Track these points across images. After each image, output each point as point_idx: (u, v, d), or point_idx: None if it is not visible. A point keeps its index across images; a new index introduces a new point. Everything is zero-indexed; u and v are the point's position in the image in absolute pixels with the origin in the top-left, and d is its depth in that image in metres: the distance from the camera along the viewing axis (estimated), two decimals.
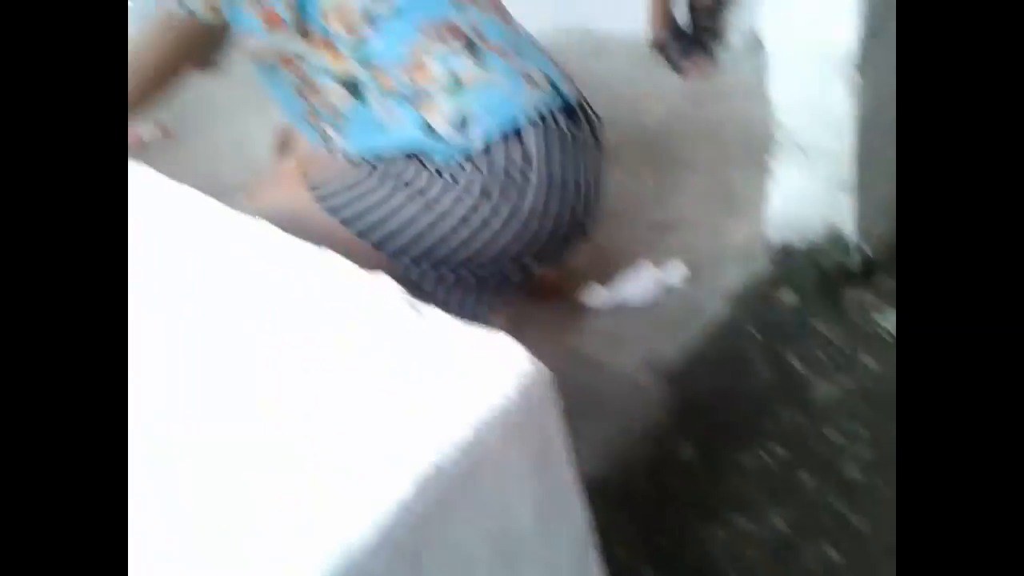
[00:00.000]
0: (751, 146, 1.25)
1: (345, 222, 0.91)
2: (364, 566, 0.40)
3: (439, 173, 0.89)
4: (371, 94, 0.89)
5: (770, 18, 1.05)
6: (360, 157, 0.94)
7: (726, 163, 1.44)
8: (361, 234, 0.91)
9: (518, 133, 0.88)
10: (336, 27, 0.87)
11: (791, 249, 1.18)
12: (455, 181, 0.88)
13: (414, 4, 0.89)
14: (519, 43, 0.94)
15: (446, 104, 0.87)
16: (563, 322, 1.21)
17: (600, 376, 1.09)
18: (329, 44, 0.88)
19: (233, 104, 1.73)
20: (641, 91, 1.71)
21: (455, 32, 0.89)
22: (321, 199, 0.92)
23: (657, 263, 1.23)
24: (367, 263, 0.77)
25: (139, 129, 1.97)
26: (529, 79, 0.90)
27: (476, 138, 0.87)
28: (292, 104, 0.97)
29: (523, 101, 0.89)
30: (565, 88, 0.94)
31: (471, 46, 0.89)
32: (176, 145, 1.77)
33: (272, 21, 0.86)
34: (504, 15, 0.98)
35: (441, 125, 0.87)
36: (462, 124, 0.87)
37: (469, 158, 0.87)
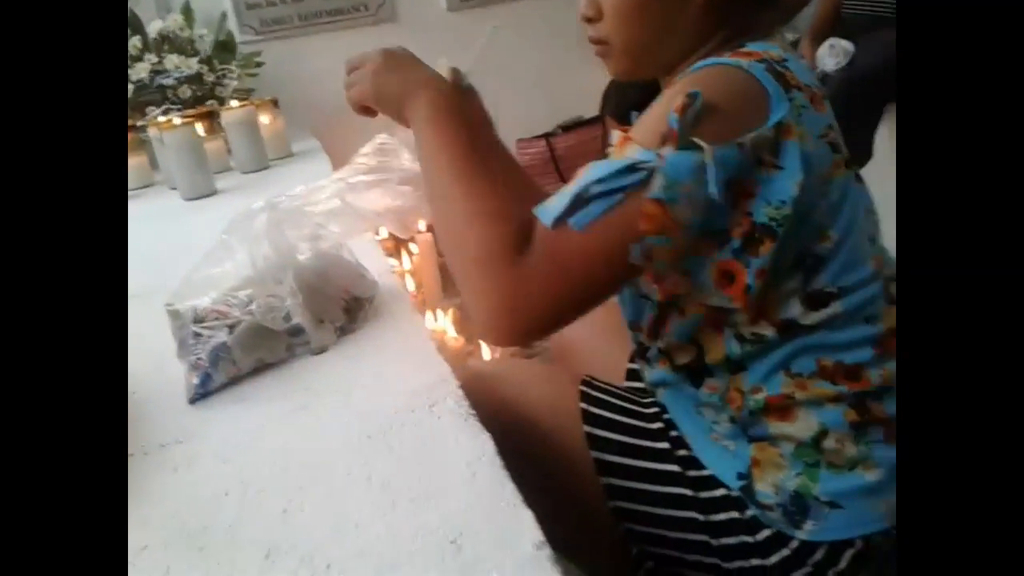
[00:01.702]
0: None
1: (593, 440, 0.73)
2: None
3: (737, 499, 0.66)
4: (709, 391, 0.68)
5: None
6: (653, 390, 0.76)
7: None
8: (601, 468, 0.72)
9: (855, 544, 0.64)
10: (739, 313, 0.63)
11: None
12: (748, 527, 0.66)
13: (843, 331, 0.64)
14: None
15: (789, 468, 0.64)
16: None
17: None
18: (717, 318, 0.64)
19: None
20: None
21: (859, 381, 0.64)
22: (585, 407, 0.75)
23: None
24: (587, 496, 0.71)
25: None
26: None
27: (801, 531, 0.64)
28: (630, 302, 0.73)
29: (887, 510, 0.64)
30: None
31: (863, 408, 0.64)
32: None
33: (729, 282, 0.60)
34: None
35: (766, 488, 0.65)
36: (794, 506, 0.64)
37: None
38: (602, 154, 0.62)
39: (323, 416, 0.67)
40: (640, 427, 0.74)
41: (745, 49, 0.62)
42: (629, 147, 0.58)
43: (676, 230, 0.55)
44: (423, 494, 0.54)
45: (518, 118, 2.88)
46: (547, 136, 2.89)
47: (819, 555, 0.64)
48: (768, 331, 0.63)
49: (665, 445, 0.71)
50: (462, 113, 0.69)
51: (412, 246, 2.02)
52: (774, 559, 0.65)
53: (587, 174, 0.58)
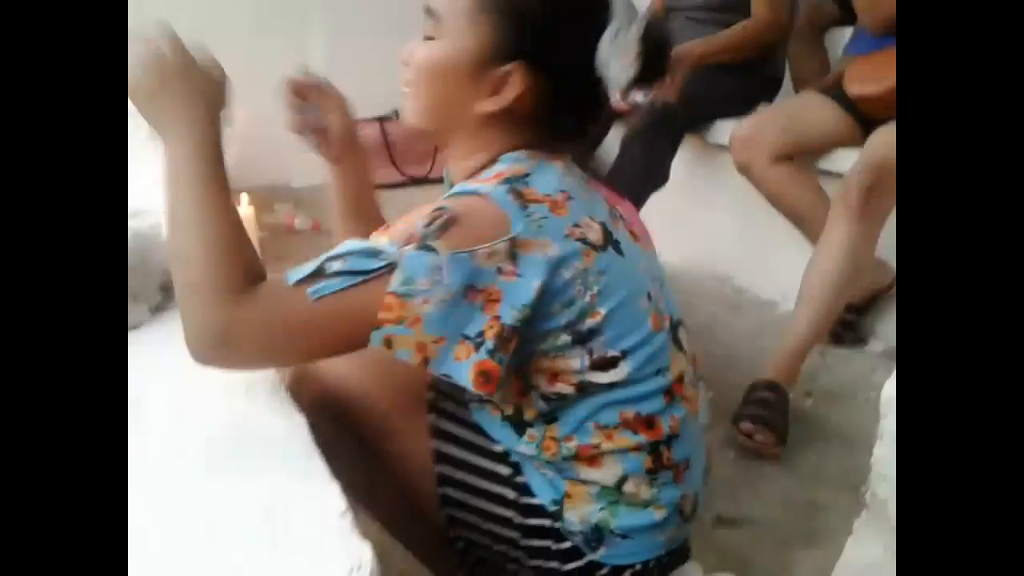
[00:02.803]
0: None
1: (435, 431, 0.78)
2: None
3: (551, 512, 0.76)
4: (529, 439, 0.74)
5: None
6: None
7: (822, 477, 1.34)
8: (438, 457, 0.78)
9: (634, 567, 0.77)
10: (538, 378, 0.71)
11: None
12: (554, 536, 0.76)
13: (638, 385, 0.73)
14: (697, 449, 0.79)
15: (594, 504, 0.74)
16: None
17: None
18: (521, 383, 0.72)
19: None
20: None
21: (653, 429, 0.74)
22: (432, 412, 0.79)
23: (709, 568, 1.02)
24: (417, 483, 0.78)
25: (294, 218, 2.38)
26: (682, 511, 0.77)
27: (594, 554, 0.75)
28: None
29: (664, 540, 0.77)
30: (700, 505, 0.82)
31: (657, 454, 0.74)
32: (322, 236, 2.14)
33: (486, 381, 0.65)
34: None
35: (573, 517, 0.75)
36: (593, 535, 0.75)
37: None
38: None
39: (136, 393, 0.69)
40: (482, 427, 0.78)
41: (495, 170, 0.71)
42: (380, 239, 0.66)
43: (416, 323, 0.62)
44: (237, 468, 0.60)
45: (353, 98, 2.87)
46: (382, 119, 2.88)
47: (604, 571, 0.76)
48: (568, 390, 0.71)
49: (501, 448, 0.77)
50: (221, 159, 0.68)
51: None
52: (568, 567, 0.76)
53: (336, 249, 0.65)
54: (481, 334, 0.64)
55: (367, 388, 0.80)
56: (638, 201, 1.87)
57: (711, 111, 2.03)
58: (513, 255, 0.65)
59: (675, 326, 0.78)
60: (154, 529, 0.53)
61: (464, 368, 0.64)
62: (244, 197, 2.04)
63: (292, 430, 0.65)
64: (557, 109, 0.74)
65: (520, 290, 0.65)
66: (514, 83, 0.71)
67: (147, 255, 0.82)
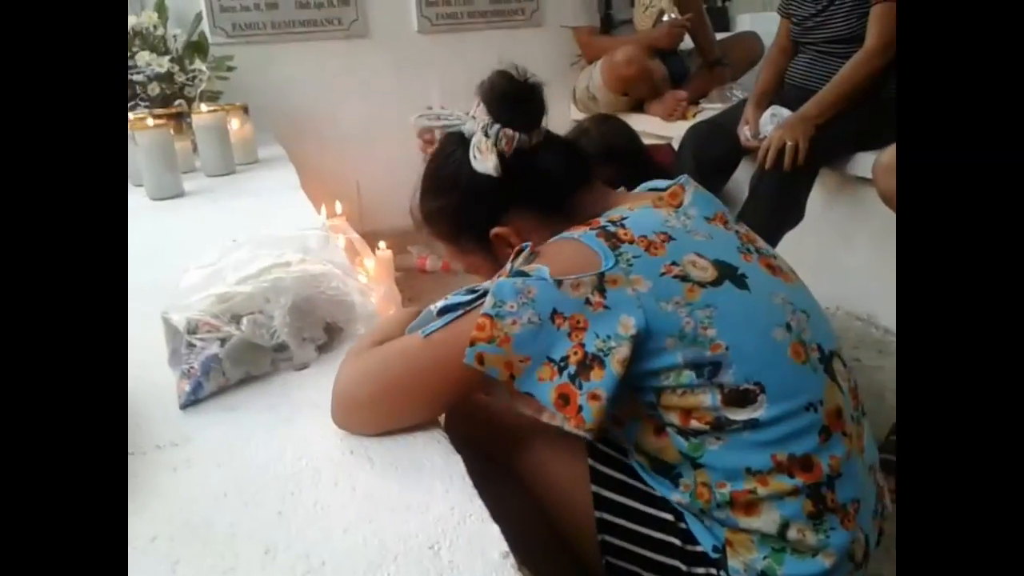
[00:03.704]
0: None
1: (595, 474, 0.78)
2: None
3: (715, 559, 0.74)
4: (683, 489, 0.74)
5: None
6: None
7: None
8: (599, 502, 0.77)
9: None
10: (670, 415, 0.71)
11: None
12: None
13: (786, 422, 0.70)
14: (865, 488, 0.75)
15: (758, 551, 0.72)
16: None
17: None
18: (655, 422, 0.73)
19: None
20: None
21: (811, 471, 0.71)
22: (592, 456, 0.79)
23: None
24: (576, 525, 0.78)
25: (425, 258, 2.47)
26: (852, 557, 0.73)
27: None
28: None
29: None
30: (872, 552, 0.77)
31: (819, 498, 0.71)
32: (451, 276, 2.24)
33: (565, 403, 0.68)
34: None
35: (737, 565, 0.72)
36: None
37: None
38: None
39: (307, 429, 0.74)
40: (640, 486, 0.78)
41: (592, 220, 0.76)
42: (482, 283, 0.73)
43: (506, 342, 0.67)
44: (403, 505, 0.62)
45: None
46: None
47: None
48: (703, 426, 0.70)
49: (660, 493, 0.76)
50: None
51: (367, 261, 2.08)
52: None
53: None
54: (565, 359, 0.68)
55: (526, 431, 0.80)
56: (772, 240, 1.81)
57: (847, 146, 1.95)
58: (602, 289, 0.68)
59: (828, 358, 0.75)
60: (330, 559, 0.56)
61: (546, 389, 0.68)
62: (382, 243, 2.16)
63: (450, 468, 0.67)
64: (539, 203, 0.82)
65: (606, 320, 0.68)
66: (509, 234, 0.81)
67: (315, 296, 0.89)
